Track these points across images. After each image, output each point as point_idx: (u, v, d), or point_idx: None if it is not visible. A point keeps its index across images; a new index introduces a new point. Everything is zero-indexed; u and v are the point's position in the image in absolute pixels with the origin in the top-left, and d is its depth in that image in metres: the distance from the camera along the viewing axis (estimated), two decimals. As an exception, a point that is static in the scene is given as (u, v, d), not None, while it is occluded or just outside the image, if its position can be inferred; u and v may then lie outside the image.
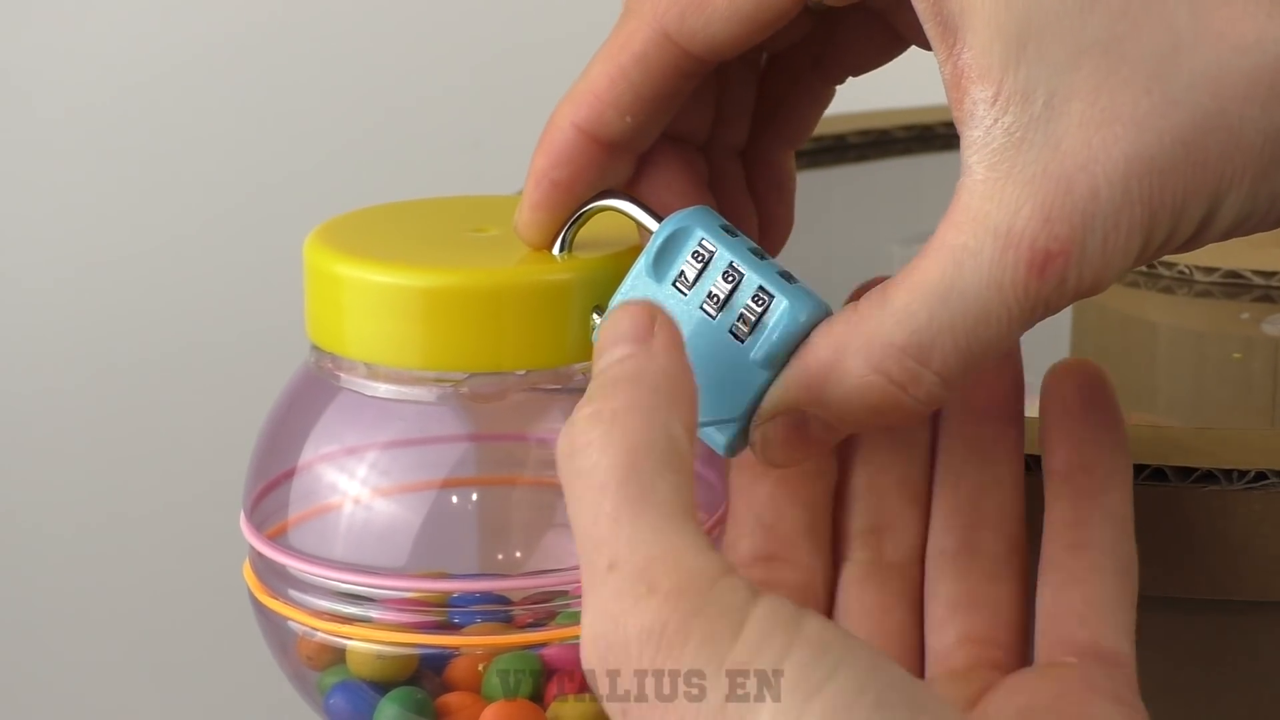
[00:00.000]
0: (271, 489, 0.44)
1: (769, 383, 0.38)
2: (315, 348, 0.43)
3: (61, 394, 1.10)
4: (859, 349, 0.37)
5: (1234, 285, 0.61)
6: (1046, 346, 0.65)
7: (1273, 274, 0.60)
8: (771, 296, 0.38)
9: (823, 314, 0.38)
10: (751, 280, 0.38)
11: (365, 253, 0.42)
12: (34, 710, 1.08)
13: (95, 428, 1.10)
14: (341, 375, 0.43)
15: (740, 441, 0.39)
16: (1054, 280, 0.35)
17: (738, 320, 0.38)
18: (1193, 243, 0.37)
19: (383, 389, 0.42)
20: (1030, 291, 0.36)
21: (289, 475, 0.44)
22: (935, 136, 0.80)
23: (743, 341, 0.38)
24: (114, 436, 1.11)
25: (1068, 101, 0.35)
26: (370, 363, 0.42)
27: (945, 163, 0.80)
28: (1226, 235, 0.37)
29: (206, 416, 1.04)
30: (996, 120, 0.36)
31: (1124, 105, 0.35)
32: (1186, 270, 0.61)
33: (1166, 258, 0.62)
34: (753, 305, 0.38)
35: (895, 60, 0.43)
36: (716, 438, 0.39)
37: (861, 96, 0.89)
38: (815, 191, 0.77)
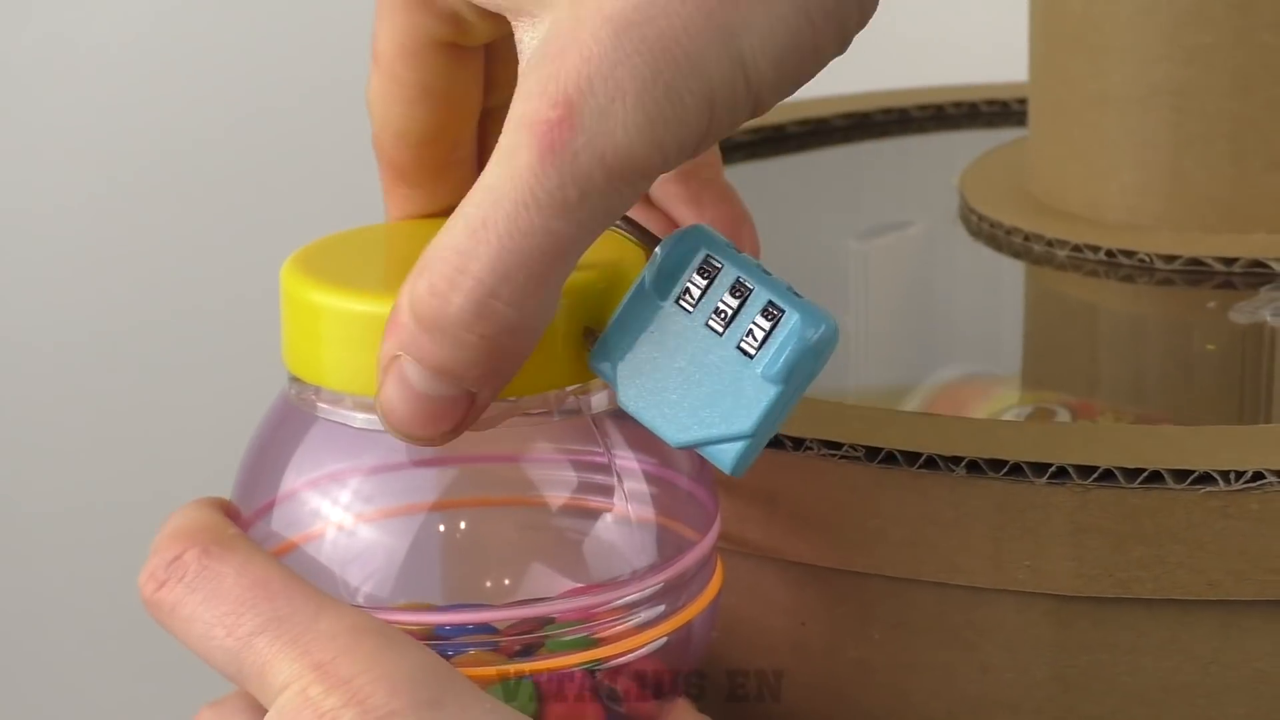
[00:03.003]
0: (253, 522, 0.43)
1: (779, 397, 0.38)
2: (294, 379, 0.42)
3: (50, 424, 1.09)
4: None
5: (1196, 273, 0.60)
6: (1002, 334, 0.64)
7: (1234, 260, 0.60)
8: (782, 311, 0.37)
9: (833, 329, 0.38)
10: (760, 295, 0.38)
11: (347, 282, 0.41)
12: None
13: (86, 455, 1.10)
14: (322, 406, 0.42)
15: (748, 459, 0.39)
16: (566, 154, 0.35)
17: (746, 335, 0.38)
18: (765, 95, 0.37)
19: (362, 419, 0.41)
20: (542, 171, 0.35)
21: (269, 509, 0.43)
22: (874, 124, 0.80)
23: (752, 356, 0.38)
24: (104, 463, 1.10)
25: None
26: (354, 394, 0.41)
27: (884, 150, 0.80)
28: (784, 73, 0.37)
29: (192, 444, 1.03)
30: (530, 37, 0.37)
31: None
32: (1147, 259, 0.61)
33: (1125, 245, 0.62)
34: (762, 321, 0.38)
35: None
36: (723, 456, 0.39)
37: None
38: (754, 182, 0.76)
